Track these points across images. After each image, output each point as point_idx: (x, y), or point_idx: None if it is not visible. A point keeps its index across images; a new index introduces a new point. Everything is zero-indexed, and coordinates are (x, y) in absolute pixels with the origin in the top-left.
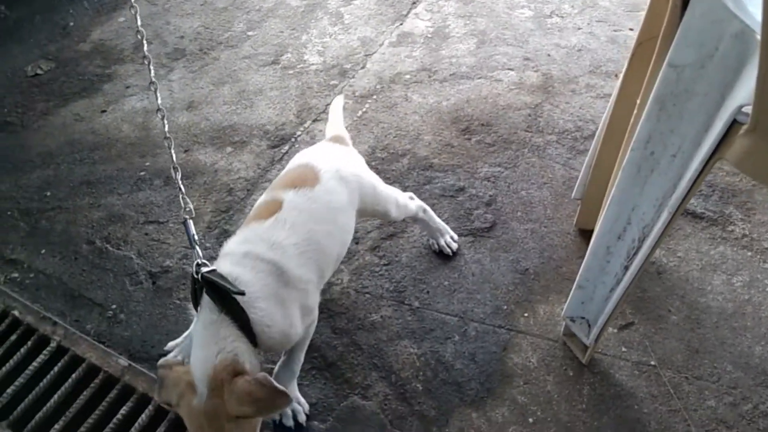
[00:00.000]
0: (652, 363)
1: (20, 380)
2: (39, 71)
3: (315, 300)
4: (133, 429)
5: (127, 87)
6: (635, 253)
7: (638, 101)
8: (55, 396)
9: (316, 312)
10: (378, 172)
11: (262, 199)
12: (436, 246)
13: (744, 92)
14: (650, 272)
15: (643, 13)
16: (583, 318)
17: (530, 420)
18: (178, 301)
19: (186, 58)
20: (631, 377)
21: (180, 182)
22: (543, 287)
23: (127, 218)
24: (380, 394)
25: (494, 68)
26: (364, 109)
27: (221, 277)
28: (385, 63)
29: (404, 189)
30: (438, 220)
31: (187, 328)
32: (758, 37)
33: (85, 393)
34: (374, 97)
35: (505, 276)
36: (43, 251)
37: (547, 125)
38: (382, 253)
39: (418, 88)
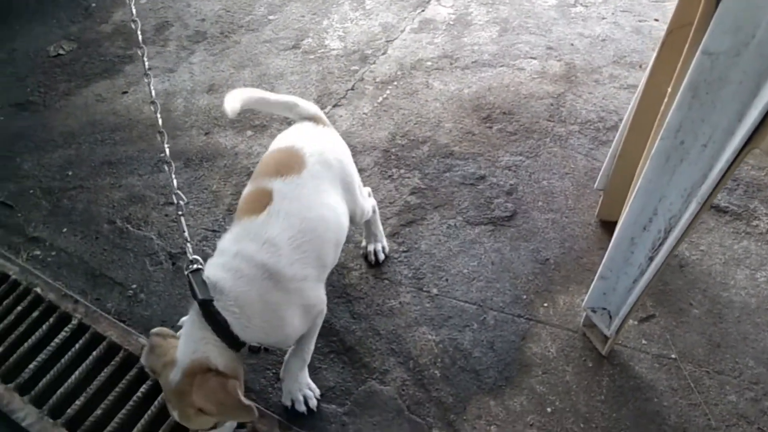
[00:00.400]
0: (673, 356)
1: (42, 356)
2: (61, 51)
3: (317, 294)
4: (152, 407)
5: (149, 69)
6: (661, 245)
7: (669, 89)
8: (76, 372)
9: (322, 305)
10: (398, 159)
11: (249, 188)
12: (366, 250)
13: None
14: (672, 265)
15: (668, 4)
16: (604, 309)
17: (548, 410)
18: None
19: (207, 41)
20: (651, 370)
21: (173, 178)
22: (563, 277)
23: (148, 199)
24: (398, 379)
25: (517, 57)
26: (384, 95)
27: (199, 280)
28: (407, 49)
29: (424, 176)
30: (380, 225)
31: None
32: None
33: (105, 370)
34: (395, 83)
35: (525, 265)
36: (64, 230)
37: (570, 115)
38: (401, 239)
39: (439, 75)
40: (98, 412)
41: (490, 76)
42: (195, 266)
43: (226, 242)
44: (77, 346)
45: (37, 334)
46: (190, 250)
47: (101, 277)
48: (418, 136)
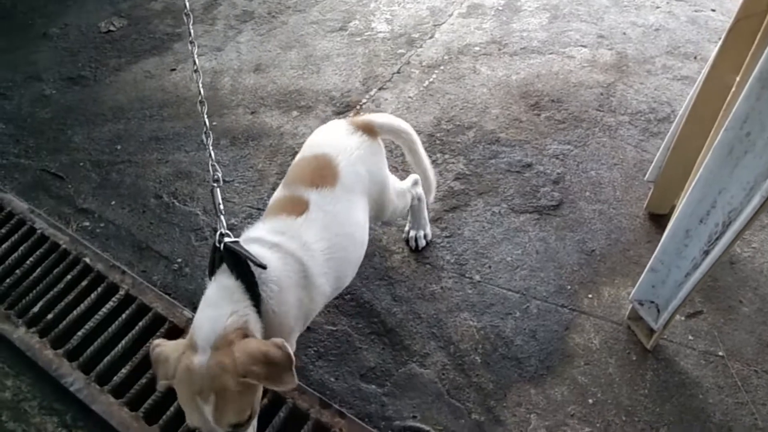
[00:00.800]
0: (720, 353)
1: (90, 324)
2: (112, 28)
3: (314, 314)
4: None
5: (197, 47)
6: (718, 239)
7: (738, 78)
8: (123, 342)
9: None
10: (443, 143)
11: (281, 193)
12: (408, 235)
13: None
14: (723, 262)
15: None
16: (652, 302)
17: (590, 401)
18: None
19: (254, 21)
20: (697, 366)
21: (211, 149)
22: (609, 269)
23: (194, 175)
24: (438, 363)
25: (566, 44)
26: (430, 80)
27: (244, 249)
28: (454, 34)
29: (469, 162)
30: (426, 214)
31: None
32: None
33: (150, 341)
34: (441, 67)
35: (570, 256)
36: (113, 202)
37: (620, 105)
38: (444, 225)
39: (486, 61)
40: (143, 381)
41: (538, 63)
42: (229, 239)
43: (263, 232)
44: (124, 316)
45: (85, 302)
46: (224, 223)
47: (147, 250)
48: (464, 122)
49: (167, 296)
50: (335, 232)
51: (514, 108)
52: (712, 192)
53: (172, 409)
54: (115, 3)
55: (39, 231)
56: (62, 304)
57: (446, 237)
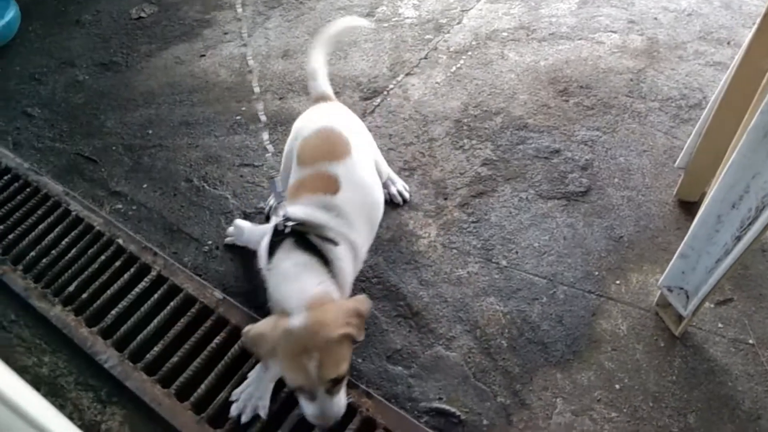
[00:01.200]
0: (750, 341)
1: (123, 304)
2: (142, 14)
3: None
4: (225, 358)
5: (225, 33)
6: (750, 224)
7: None
8: (155, 321)
9: None
10: (470, 129)
11: (304, 172)
12: (389, 196)
13: None
14: (754, 249)
15: None
16: (681, 288)
17: (617, 386)
18: None
19: (282, 7)
20: (727, 354)
21: (267, 140)
22: (637, 256)
23: (223, 160)
24: (464, 346)
25: (596, 30)
26: (458, 65)
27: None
28: (482, 19)
29: (496, 148)
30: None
31: None
32: None
33: (182, 321)
34: (469, 53)
35: (598, 242)
36: (144, 186)
37: (650, 91)
38: (471, 210)
39: (515, 46)
40: (174, 359)
41: (567, 49)
42: (291, 223)
43: (307, 210)
44: (156, 296)
45: (118, 282)
46: (286, 209)
47: (178, 232)
48: (492, 107)
49: (198, 277)
50: (364, 201)
51: (542, 94)
52: (746, 176)
53: (203, 387)
54: None
55: (74, 213)
56: (96, 284)
57: (473, 222)
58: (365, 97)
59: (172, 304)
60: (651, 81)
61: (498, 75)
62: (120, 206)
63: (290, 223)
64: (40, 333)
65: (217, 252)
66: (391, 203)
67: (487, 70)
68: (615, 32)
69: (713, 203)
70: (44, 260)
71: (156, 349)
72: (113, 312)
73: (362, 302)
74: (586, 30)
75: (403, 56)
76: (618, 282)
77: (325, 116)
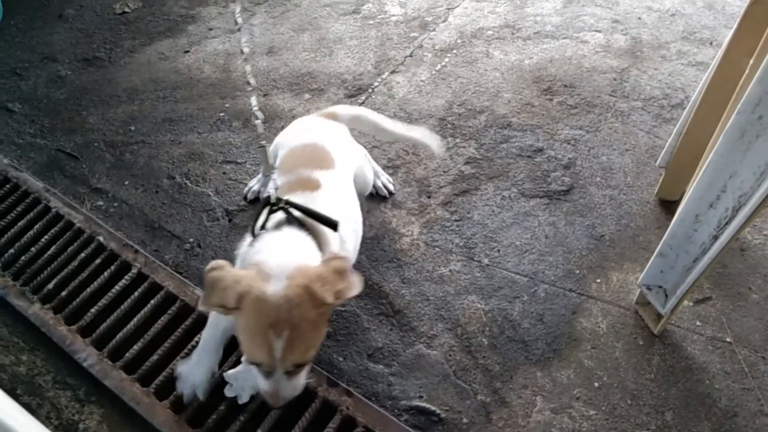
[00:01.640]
0: (728, 340)
1: (103, 302)
2: (126, 9)
3: None
4: None
5: (210, 29)
6: (727, 224)
7: (751, 62)
8: (135, 319)
9: None
10: (454, 127)
11: (286, 178)
12: (374, 189)
13: None
14: (733, 248)
15: None
16: (660, 287)
17: (596, 384)
18: None
19: (268, 3)
20: (705, 352)
21: (255, 107)
22: (618, 254)
23: (206, 157)
24: (445, 344)
25: (581, 29)
26: (443, 63)
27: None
28: (468, 17)
29: (480, 146)
30: (374, 163)
31: None
32: None
33: (162, 318)
34: (454, 51)
35: (580, 240)
36: (126, 182)
37: (633, 91)
38: (454, 208)
39: (500, 45)
40: (154, 357)
41: (552, 48)
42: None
43: (308, 198)
44: (136, 294)
45: (99, 280)
46: (277, 183)
47: (160, 229)
48: (476, 106)
49: (179, 275)
50: (344, 206)
51: (527, 92)
52: (723, 176)
53: None
54: None
55: (54, 210)
56: (76, 281)
57: (456, 221)
58: (350, 94)
59: (152, 302)
60: (634, 80)
61: (483, 73)
62: (101, 203)
63: (286, 198)
64: (18, 331)
65: (199, 250)
66: (376, 197)
67: (472, 68)
68: (599, 32)
69: (691, 202)
70: (23, 257)
71: (135, 347)
72: (93, 310)
73: (332, 258)
74: (570, 29)
75: (388, 54)
76: (599, 280)
77: (315, 132)
